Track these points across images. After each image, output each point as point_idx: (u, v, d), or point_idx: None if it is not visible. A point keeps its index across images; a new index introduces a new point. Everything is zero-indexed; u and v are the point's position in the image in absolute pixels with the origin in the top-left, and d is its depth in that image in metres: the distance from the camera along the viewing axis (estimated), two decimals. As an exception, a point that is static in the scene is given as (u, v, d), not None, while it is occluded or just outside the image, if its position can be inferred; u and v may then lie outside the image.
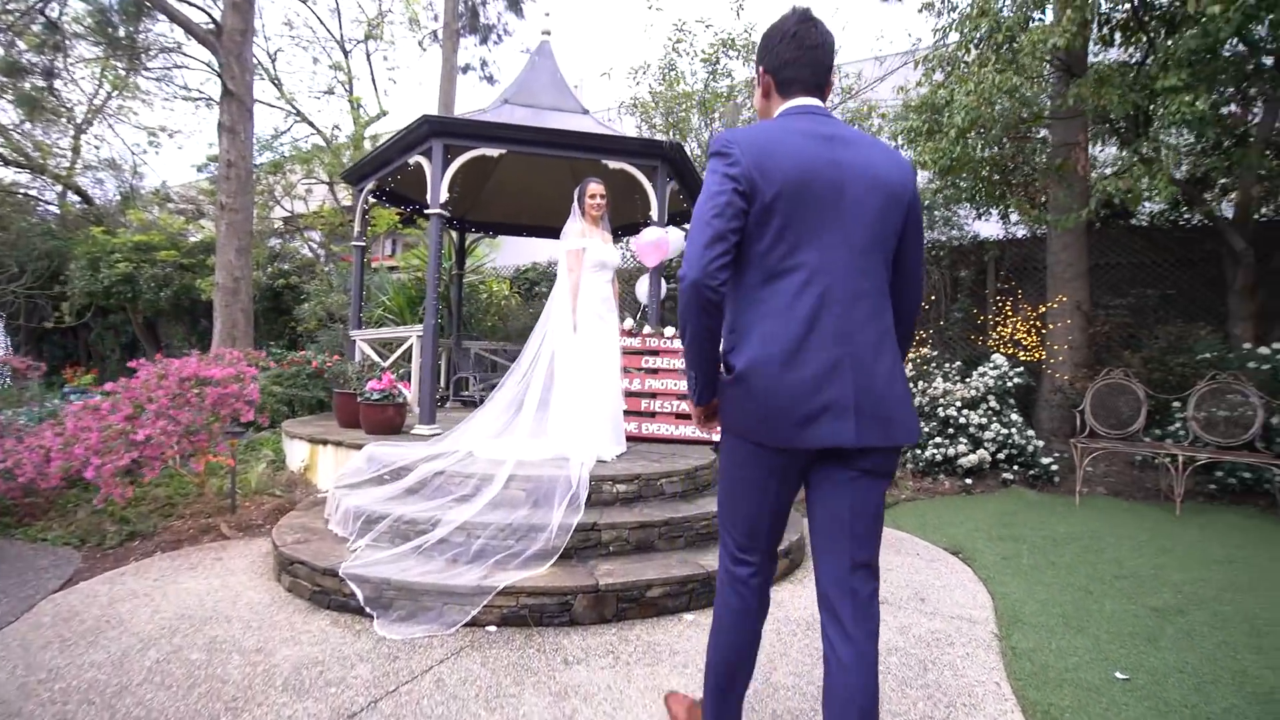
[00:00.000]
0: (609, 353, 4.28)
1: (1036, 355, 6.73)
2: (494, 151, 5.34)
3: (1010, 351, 6.90)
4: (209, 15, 7.54)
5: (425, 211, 5.46)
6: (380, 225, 12.90)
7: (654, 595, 2.97)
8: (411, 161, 5.57)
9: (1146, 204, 6.97)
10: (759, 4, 7.30)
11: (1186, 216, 7.30)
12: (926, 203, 8.17)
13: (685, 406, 5.33)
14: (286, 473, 5.28)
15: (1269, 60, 5.47)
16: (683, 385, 5.38)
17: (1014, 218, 8.54)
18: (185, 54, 10.37)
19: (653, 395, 5.28)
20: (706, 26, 7.11)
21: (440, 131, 5.26)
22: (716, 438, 1.47)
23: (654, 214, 5.70)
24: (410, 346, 5.73)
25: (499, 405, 4.40)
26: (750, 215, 1.45)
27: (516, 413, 4.27)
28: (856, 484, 1.50)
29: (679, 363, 5.45)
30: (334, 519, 3.61)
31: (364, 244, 6.78)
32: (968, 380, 6.09)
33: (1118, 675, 2.44)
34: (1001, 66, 4.94)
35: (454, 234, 8.72)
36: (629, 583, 2.93)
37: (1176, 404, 5.72)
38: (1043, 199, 7.22)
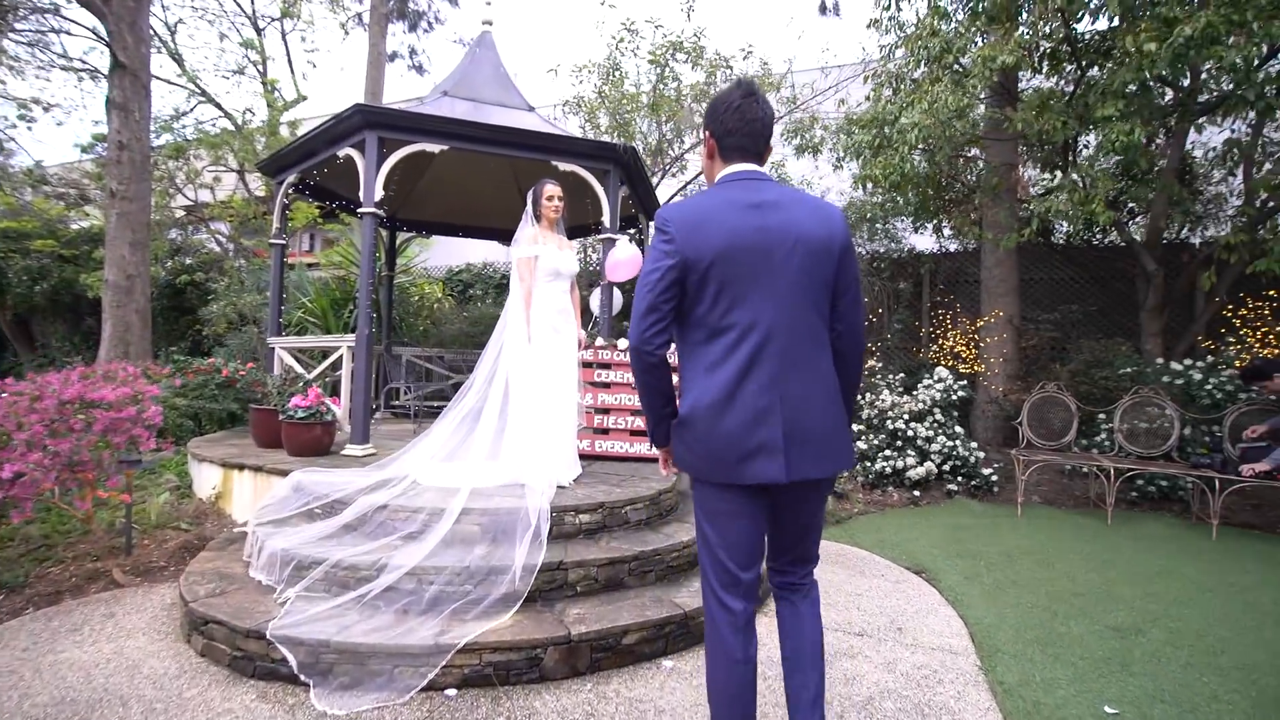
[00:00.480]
0: (566, 368, 3.99)
1: (974, 368, 6.98)
2: (435, 147, 4.93)
3: (949, 364, 7.12)
4: (97, -24, 6.64)
5: (357, 210, 4.97)
6: (298, 219, 11.98)
7: (630, 642, 2.72)
8: (341, 154, 5.07)
9: (1063, 224, 7.37)
10: (710, 6, 7.13)
11: (1099, 237, 7.78)
12: (868, 215, 8.34)
13: (639, 422, 5.12)
14: (194, 502, 4.66)
15: (1171, 94, 5.88)
16: (636, 400, 5.15)
17: (947, 232, 8.89)
18: (65, 17, 9.15)
19: (605, 411, 5.03)
20: (656, 27, 6.93)
21: (376, 123, 4.81)
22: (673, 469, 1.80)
23: (605, 219, 5.45)
24: (340, 357, 5.21)
25: (449, 424, 4.03)
26: (688, 284, 1.65)
27: (470, 432, 3.92)
28: (798, 505, 1.76)
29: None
30: (256, 563, 3.14)
31: (283, 242, 6.15)
32: (914, 393, 6.21)
33: (1107, 710, 2.42)
34: (951, 87, 5.03)
35: (384, 233, 8.13)
36: (603, 630, 2.67)
37: (1102, 416, 6.04)
38: (975, 216, 7.50)
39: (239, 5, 11.05)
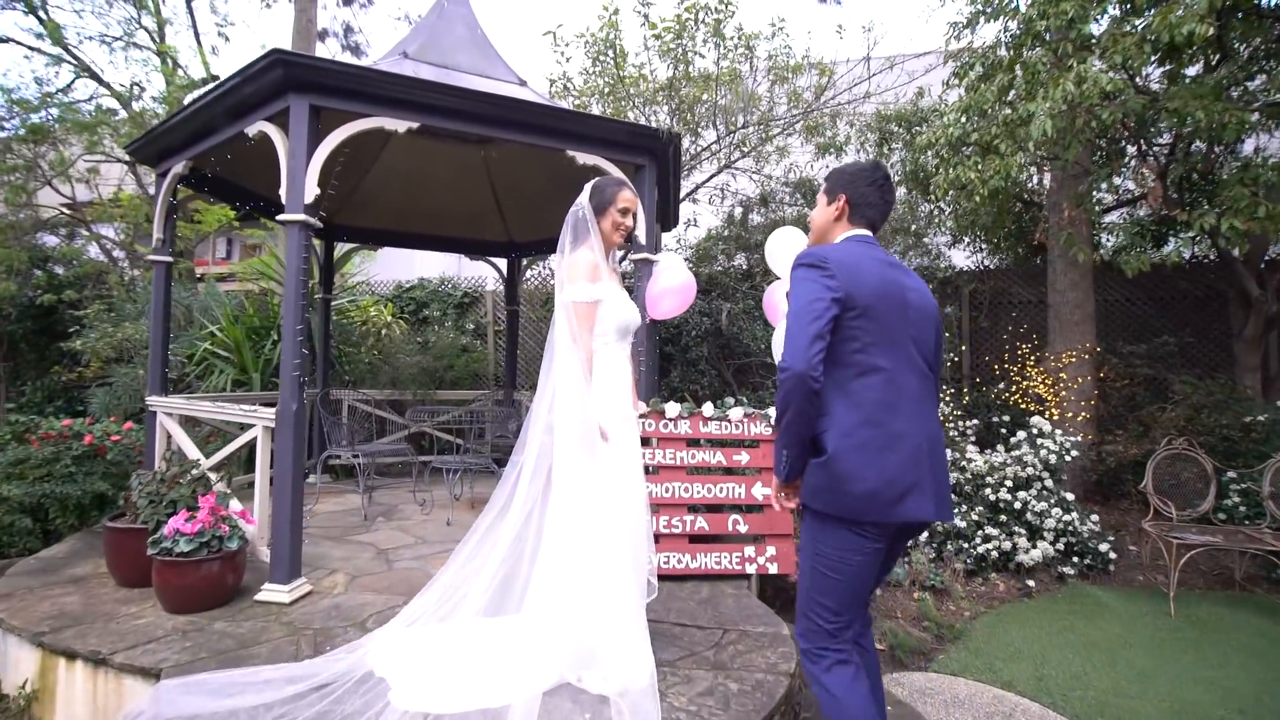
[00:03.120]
0: (638, 478, 2.47)
1: (1054, 413, 5.81)
2: (400, 124, 3.32)
3: (1029, 407, 5.94)
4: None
5: (278, 216, 3.29)
6: (209, 221, 9.88)
7: None
8: (252, 132, 3.38)
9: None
10: None
11: (1183, 253, 6.79)
12: (909, 227, 7.14)
13: (702, 523, 3.64)
14: (-4, 695, 2.85)
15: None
16: (704, 490, 3.67)
17: (978, 245, 7.82)
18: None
19: (655, 507, 3.52)
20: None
21: (307, 83, 3.15)
22: (791, 505, 1.80)
23: (639, 231, 3.95)
24: (254, 439, 3.48)
25: (461, 558, 2.46)
26: (842, 320, 1.70)
27: (498, 575, 2.38)
28: (897, 549, 1.87)
29: (690, 455, 3.74)
30: None
31: (169, 257, 4.35)
32: (1001, 449, 4.96)
33: None
34: (1105, 63, 3.80)
35: (319, 245, 6.33)
36: None
37: (1232, 474, 4.96)
38: (1044, 226, 6.38)
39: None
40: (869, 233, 1.93)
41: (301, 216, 3.12)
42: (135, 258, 8.90)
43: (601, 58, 6.85)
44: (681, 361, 6.68)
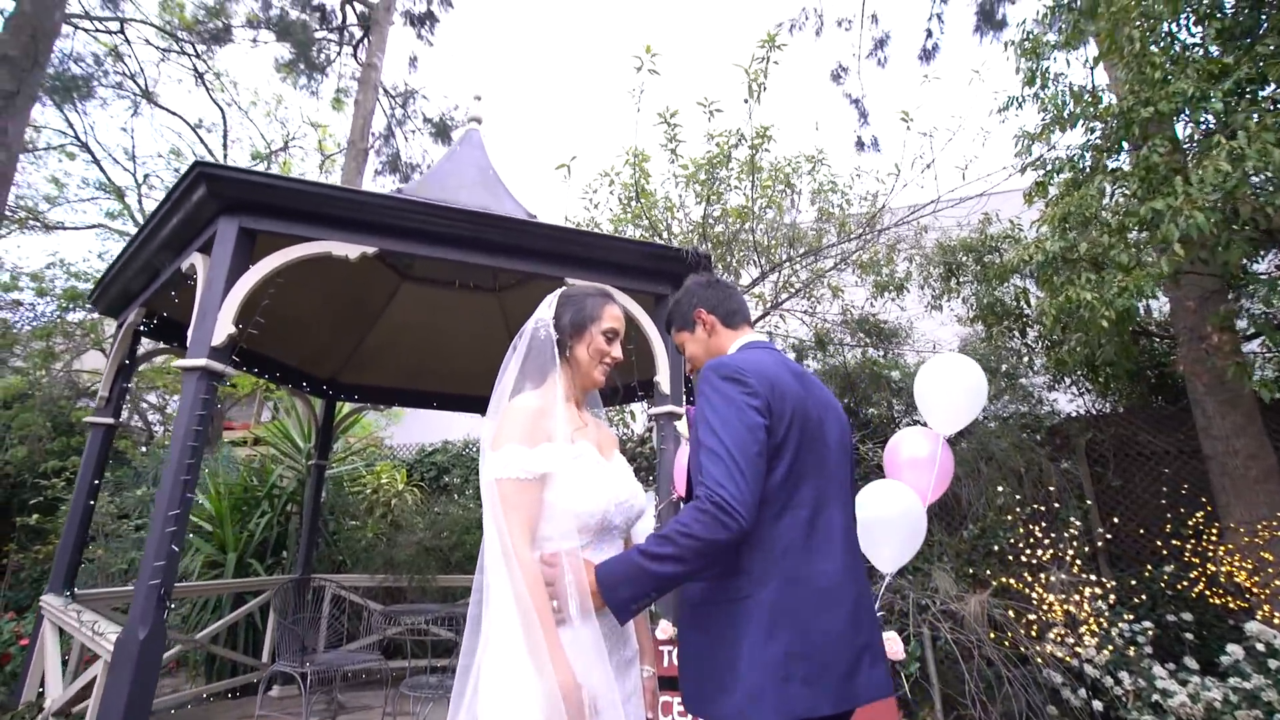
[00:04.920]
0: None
1: (1266, 610, 4.13)
2: (353, 249, 2.64)
3: (1223, 600, 4.28)
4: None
5: (175, 361, 2.56)
6: (243, 384, 9.69)
7: None
8: (185, 266, 2.77)
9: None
10: (777, 93, 5.22)
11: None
12: (1000, 366, 6.03)
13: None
14: None
15: None
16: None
17: (1083, 385, 6.56)
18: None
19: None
20: (712, 113, 5.04)
21: (236, 201, 2.55)
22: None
23: (659, 377, 3.05)
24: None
25: None
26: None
27: None
28: None
29: None
30: None
31: (110, 419, 3.66)
32: (1238, 680, 3.34)
33: None
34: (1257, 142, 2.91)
35: (318, 404, 5.71)
36: None
37: None
38: (1172, 357, 5.15)
39: (208, 148, 9.70)
40: (757, 334, 1.70)
41: (204, 362, 2.35)
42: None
43: (631, 204, 6.49)
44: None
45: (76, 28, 8.45)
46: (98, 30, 8.77)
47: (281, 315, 4.18)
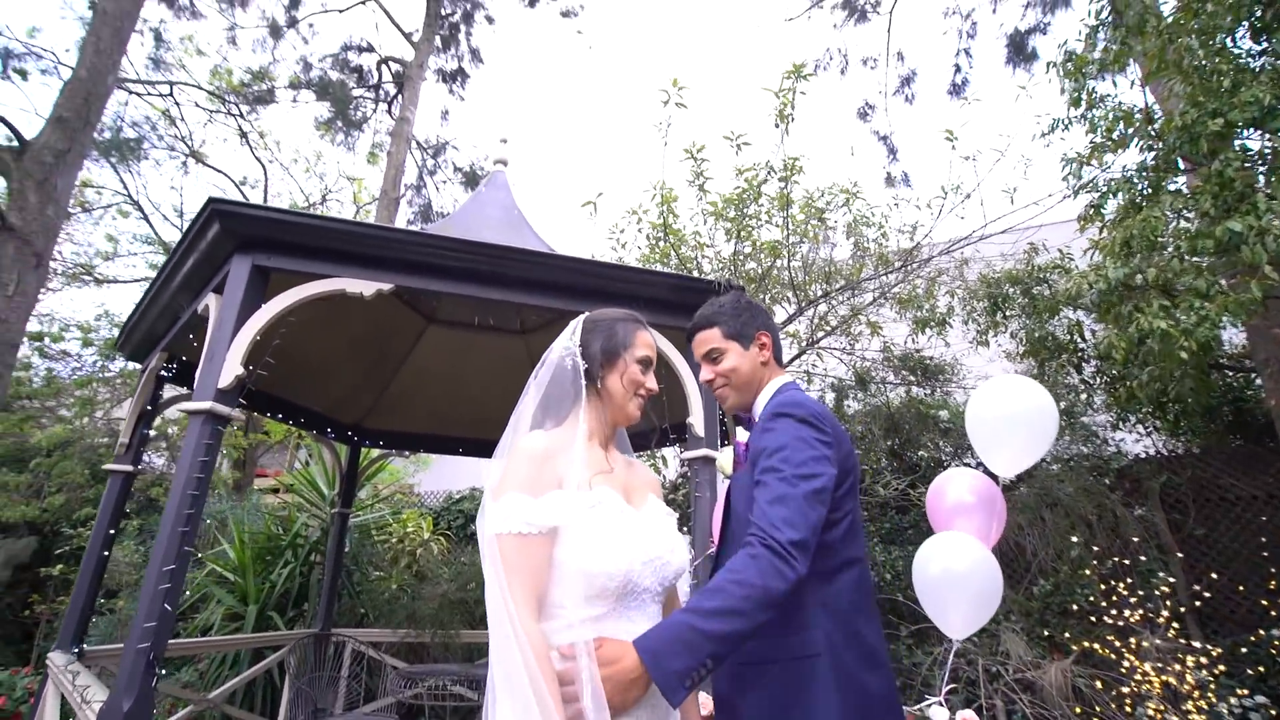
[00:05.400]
0: None
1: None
2: (369, 286, 2.52)
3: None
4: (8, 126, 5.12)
5: (180, 405, 2.44)
6: (276, 431, 9.71)
7: None
8: (200, 309, 2.69)
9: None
10: (807, 124, 5.15)
11: None
12: (1068, 407, 5.61)
13: None
14: None
15: None
16: None
17: (1151, 424, 6.06)
18: None
19: None
20: (739, 146, 4.91)
21: (249, 239, 2.47)
22: None
23: (693, 418, 2.82)
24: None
25: None
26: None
27: None
28: None
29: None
30: None
31: (129, 466, 3.56)
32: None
33: None
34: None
35: (343, 450, 5.60)
36: None
37: None
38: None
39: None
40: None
41: (208, 405, 2.23)
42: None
43: (660, 243, 6.38)
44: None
45: (131, 92, 8.96)
46: (150, 94, 9.29)
47: (306, 360, 4.12)
